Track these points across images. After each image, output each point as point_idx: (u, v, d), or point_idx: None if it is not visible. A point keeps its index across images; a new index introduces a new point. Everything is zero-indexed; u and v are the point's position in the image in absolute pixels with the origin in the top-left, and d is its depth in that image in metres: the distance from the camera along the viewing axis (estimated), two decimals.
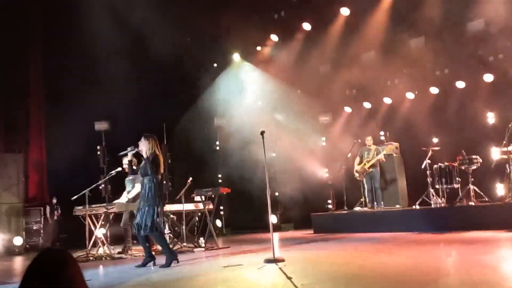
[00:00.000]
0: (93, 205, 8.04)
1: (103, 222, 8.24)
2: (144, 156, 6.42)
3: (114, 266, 6.95)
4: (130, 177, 8.63)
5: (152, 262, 6.41)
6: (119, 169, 8.54)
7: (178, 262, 6.30)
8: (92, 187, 8.16)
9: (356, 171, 10.62)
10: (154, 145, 6.42)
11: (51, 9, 12.27)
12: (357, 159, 10.68)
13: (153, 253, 6.83)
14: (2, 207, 10.64)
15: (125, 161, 8.67)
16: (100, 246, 8.17)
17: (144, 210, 6.23)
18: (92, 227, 8.11)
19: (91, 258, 7.75)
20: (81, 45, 12.09)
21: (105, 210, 7.97)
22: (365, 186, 10.54)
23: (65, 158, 11.80)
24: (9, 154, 11.40)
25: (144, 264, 6.39)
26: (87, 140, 12.82)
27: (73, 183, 10.26)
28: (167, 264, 6.19)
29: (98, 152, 11.80)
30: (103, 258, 7.78)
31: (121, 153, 6.96)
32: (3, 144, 11.70)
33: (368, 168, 10.42)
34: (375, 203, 10.37)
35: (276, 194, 12.34)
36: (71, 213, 8.37)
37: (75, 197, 8.03)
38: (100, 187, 11.05)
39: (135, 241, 9.02)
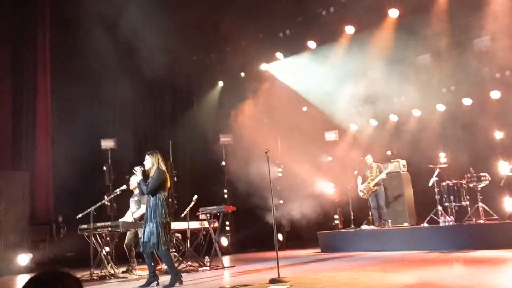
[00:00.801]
0: (98, 224, 8.00)
1: (108, 241, 8.19)
2: (150, 173, 6.38)
3: (118, 286, 6.87)
4: (135, 198, 8.60)
5: (156, 282, 6.34)
6: (124, 187, 8.51)
7: (182, 283, 6.22)
8: (97, 205, 8.13)
9: (361, 190, 10.55)
10: (159, 161, 6.39)
11: (57, 29, 12.45)
12: (359, 179, 10.61)
13: (157, 272, 6.75)
14: (8, 224, 10.63)
15: (133, 181, 8.64)
16: (104, 266, 8.10)
17: (150, 227, 6.14)
18: (97, 246, 8.06)
19: (95, 277, 7.68)
20: (88, 64, 12.23)
21: (110, 229, 7.93)
22: (370, 204, 10.45)
23: (71, 176, 11.82)
24: (15, 171, 11.43)
25: (147, 284, 6.31)
26: (93, 158, 12.87)
27: (79, 201, 10.27)
28: (171, 285, 6.10)
29: (104, 170, 11.81)
30: (107, 278, 7.71)
31: (130, 176, 6.86)
32: (10, 162, 11.75)
33: (373, 186, 10.35)
34: (382, 221, 10.26)
35: (282, 212, 12.26)
36: (76, 231, 8.34)
37: (80, 215, 7.99)
38: (106, 205, 11.04)
39: (140, 260, 8.96)
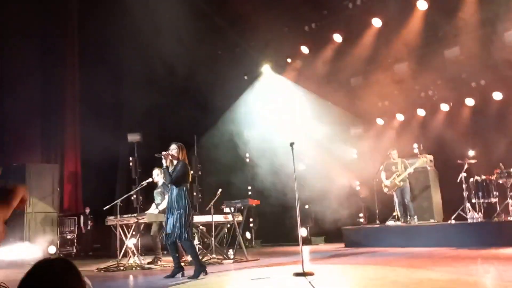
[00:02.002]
0: (125, 215, 8.14)
1: (134, 232, 8.33)
2: (173, 163, 6.43)
3: (143, 276, 6.98)
4: (159, 190, 8.72)
5: (181, 273, 6.40)
6: (150, 180, 8.63)
7: (206, 274, 6.27)
8: (123, 197, 8.27)
9: (385, 186, 10.40)
10: (183, 154, 6.47)
11: (87, 25, 12.64)
12: (383, 174, 10.46)
13: (182, 264, 6.82)
14: (37, 216, 10.91)
15: (155, 174, 8.75)
16: (130, 256, 8.23)
17: (174, 217, 6.20)
18: (123, 237, 8.20)
19: (121, 267, 7.81)
20: (115, 58, 12.41)
21: (136, 220, 8.06)
22: (396, 200, 10.30)
23: (99, 168, 12.05)
24: (45, 164, 11.71)
25: (173, 275, 6.38)
26: (120, 151, 13.09)
27: (106, 194, 10.48)
28: (195, 276, 6.16)
29: (131, 163, 11.99)
30: (133, 268, 7.84)
31: (158, 154, 6.83)
32: (39, 155, 12.04)
33: (399, 182, 10.19)
34: (408, 217, 10.11)
35: (306, 206, 12.21)
36: (103, 223, 8.50)
37: (108, 207, 8.15)
38: (132, 198, 11.20)
39: (165, 252, 9.08)
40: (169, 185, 6.47)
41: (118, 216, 8.00)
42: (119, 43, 12.29)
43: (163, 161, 6.43)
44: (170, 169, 6.42)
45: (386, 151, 10.94)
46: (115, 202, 8.04)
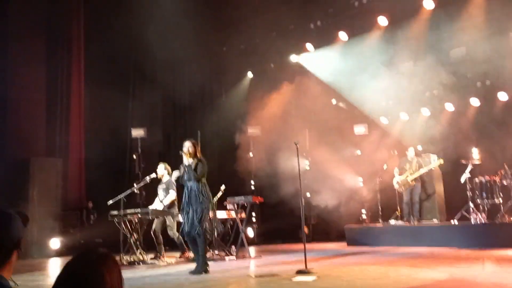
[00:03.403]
0: (128, 210, 8.15)
1: (137, 228, 8.34)
2: (191, 160, 6.47)
3: (146, 272, 6.99)
4: (163, 186, 8.73)
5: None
6: (154, 175, 8.64)
7: (207, 272, 6.25)
8: (127, 192, 8.29)
9: (397, 183, 10.30)
10: (199, 150, 6.59)
11: (92, 18, 12.64)
12: (396, 170, 10.37)
13: (183, 259, 6.81)
14: (41, 210, 10.92)
15: (160, 170, 8.78)
16: (133, 252, 8.25)
17: (194, 213, 6.26)
18: (126, 232, 8.21)
19: (124, 263, 7.83)
20: (123, 51, 12.42)
21: (139, 215, 8.07)
22: (404, 198, 10.24)
23: (102, 164, 12.06)
24: (48, 158, 11.71)
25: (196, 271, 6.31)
26: (124, 146, 13.11)
27: (109, 189, 10.49)
28: (198, 271, 6.17)
29: (134, 158, 11.99)
30: (136, 263, 7.86)
31: (181, 152, 6.85)
32: (43, 149, 12.04)
33: (411, 181, 10.12)
34: (412, 216, 10.08)
35: (310, 204, 12.20)
36: (106, 217, 8.52)
37: (111, 201, 8.17)
38: (135, 193, 11.22)
39: (167, 247, 9.10)
40: (188, 182, 6.47)
41: (122, 211, 8.02)
42: (127, 36, 12.26)
43: (185, 158, 6.50)
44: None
45: (389, 149, 10.93)
46: (119, 197, 8.05)
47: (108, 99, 12.04)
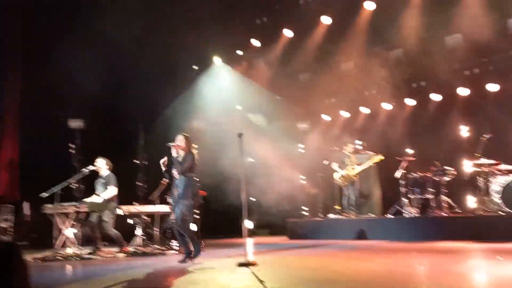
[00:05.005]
0: (63, 204, 7.84)
1: (73, 222, 8.04)
2: (181, 154, 6.58)
3: (82, 266, 6.77)
4: (102, 180, 8.47)
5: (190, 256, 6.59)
6: (92, 168, 8.38)
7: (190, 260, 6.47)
8: (62, 185, 7.97)
9: (341, 177, 10.49)
10: (189, 144, 6.69)
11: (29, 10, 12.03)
12: (335, 165, 10.61)
13: (124, 255, 6.66)
14: None
15: (99, 163, 8.51)
16: (69, 246, 7.96)
17: (181, 206, 6.45)
18: (62, 226, 7.90)
19: (59, 257, 7.54)
20: (58, 41, 11.87)
21: (76, 209, 7.79)
22: (344, 193, 10.50)
23: (38, 156, 11.54)
24: None
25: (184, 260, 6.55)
26: (61, 138, 12.57)
27: (45, 182, 10.02)
28: (195, 255, 6.52)
29: (72, 151, 11.53)
30: (72, 258, 7.58)
31: (169, 144, 6.77)
32: None
33: (354, 176, 10.37)
34: (354, 210, 10.32)
35: (252, 199, 12.27)
36: (41, 211, 8.15)
37: (45, 194, 7.83)
38: (73, 186, 10.81)
39: (105, 243, 8.85)
40: (175, 175, 6.60)
41: (57, 204, 7.70)
42: (64, 29, 11.75)
43: (173, 151, 6.59)
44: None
45: (331, 146, 11.21)
46: (53, 189, 7.74)
47: (45, 89, 11.51)
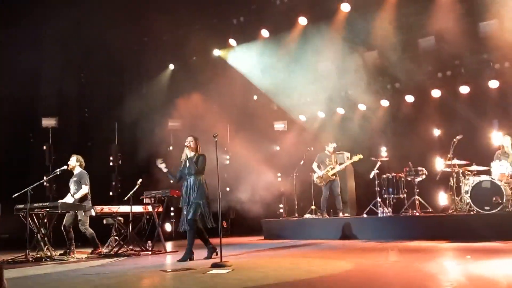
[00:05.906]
0: (35, 204, 7.68)
1: (45, 222, 7.88)
2: (192, 154, 6.76)
3: (54, 268, 6.64)
4: (75, 178, 8.35)
5: (193, 256, 6.76)
6: (65, 167, 8.24)
7: (192, 260, 6.63)
8: (34, 185, 7.80)
9: (319, 177, 10.48)
10: (199, 146, 6.85)
11: None
12: (315, 164, 10.63)
13: (96, 255, 6.56)
14: None
15: (72, 161, 8.37)
16: (41, 247, 7.79)
17: (192, 205, 6.60)
18: (34, 227, 7.74)
19: (30, 259, 7.38)
20: (32, 37, 11.64)
21: (48, 210, 7.64)
22: (323, 192, 10.51)
23: (10, 155, 11.28)
24: None
25: (208, 257, 6.76)
26: (34, 137, 12.33)
27: (17, 181, 9.79)
28: (183, 259, 6.63)
29: (45, 149, 11.33)
30: (44, 260, 7.43)
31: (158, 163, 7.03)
32: None
33: (331, 175, 10.41)
34: (337, 210, 10.33)
35: (228, 199, 12.27)
36: (13, 212, 7.97)
37: (17, 194, 7.66)
38: (45, 186, 10.62)
39: (79, 243, 8.72)
40: (188, 175, 6.72)
41: (28, 204, 7.53)
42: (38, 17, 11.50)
43: (187, 151, 6.78)
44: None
45: (307, 146, 11.28)
46: (25, 189, 7.57)
47: (17, 87, 11.25)
